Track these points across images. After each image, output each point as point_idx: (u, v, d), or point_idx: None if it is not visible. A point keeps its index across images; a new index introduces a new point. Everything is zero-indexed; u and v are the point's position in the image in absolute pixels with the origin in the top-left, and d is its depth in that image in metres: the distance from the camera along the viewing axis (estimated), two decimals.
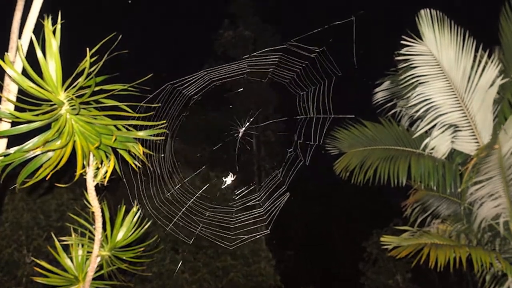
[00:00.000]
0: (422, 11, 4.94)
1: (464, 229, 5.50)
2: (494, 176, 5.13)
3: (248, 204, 7.49)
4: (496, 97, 5.21)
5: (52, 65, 1.43)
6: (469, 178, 5.12)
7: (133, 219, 2.07)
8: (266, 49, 5.48)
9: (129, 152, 1.75)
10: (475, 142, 5.28)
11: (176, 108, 5.72)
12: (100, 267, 2.02)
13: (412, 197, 6.21)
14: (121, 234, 2.04)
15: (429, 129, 5.40)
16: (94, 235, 1.91)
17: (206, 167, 11.89)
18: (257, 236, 9.49)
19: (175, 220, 6.62)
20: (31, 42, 1.45)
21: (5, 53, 1.50)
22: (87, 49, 1.46)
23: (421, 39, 4.99)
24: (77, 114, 1.52)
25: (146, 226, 2.10)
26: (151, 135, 1.75)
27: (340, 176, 6.06)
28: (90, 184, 1.77)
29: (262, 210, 6.76)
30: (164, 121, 1.96)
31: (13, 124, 1.51)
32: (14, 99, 1.51)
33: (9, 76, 1.45)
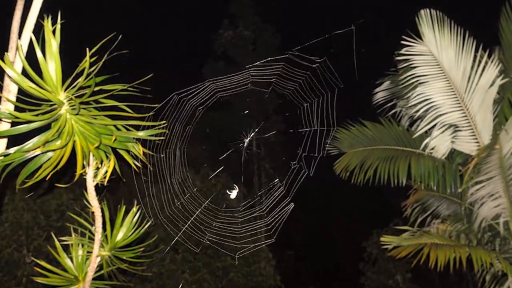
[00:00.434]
0: (422, 11, 4.94)
1: (464, 229, 5.50)
2: (495, 176, 5.13)
3: (253, 215, 7.51)
4: (496, 97, 5.20)
5: (52, 65, 1.43)
6: (469, 178, 5.11)
7: (133, 219, 2.07)
8: (268, 58, 5.53)
9: (129, 152, 1.75)
10: (475, 142, 5.28)
11: (182, 119, 5.77)
12: (100, 267, 2.02)
13: (412, 197, 6.20)
14: (121, 234, 2.04)
15: (429, 129, 5.40)
16: (94, 235, 1.91)
17: (208, 168, 11.89)
18: (263, 245, 9.54)
19: (184, 228, 6.64)
20: (31, 42, 1.45)
21: (5, 53, 1.50)
22: (87, 49, 1.46)
23: (421, 39, 4.99)
24: (77, 114, 1.52)
25: (146, 226, 2.09)
26: (151, 135, 1.75)
27: (340, 176, 6.05)
28: (90, 184, 1.77)
29: (267, 221, 6.76)
30: (165, 121, 1.96)
31: (13, 124, 1.51)
32: (14, 99, 1.51)
33: (9, 76, 1.45)
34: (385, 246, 5.41)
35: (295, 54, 4.92)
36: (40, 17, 1.51)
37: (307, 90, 5.71)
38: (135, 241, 2.10)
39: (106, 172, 1.75)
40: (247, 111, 18.22)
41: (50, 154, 1.57)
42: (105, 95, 1.62)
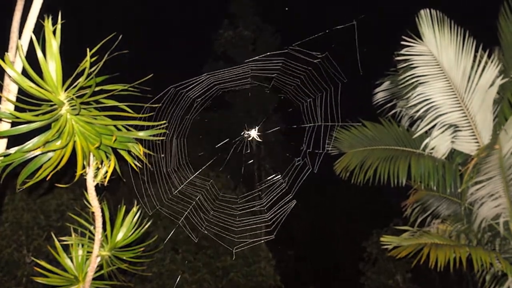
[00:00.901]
0: (422, 11, 4.94)
1: (464, 229, 5.50)
2: (495, 176, 5.13)
3: (252, 209, 7.49)
4: (496, 97, 5.21)
5: (52, 65, 1.43)
6: (469, 178, 5.12)
7: (133, 219, 2.07)
8: (268, 53, 5.49)
9: (129, 152, 1.75)
10: (475, 142, 5.28)
11: (180, 111, 5.74)
12: (100, 267, 2.02)
13: (412, 197, 6.21)
14: (121, 234, 2.04)
15: (429, 129, 5.40)
16: (94, 235, 1.91)
17: (207, 166, 11.89)
18: (262, 241, 9.53)
19: (185, 213, 6.67)
20: (31, 42, 1.45)
21: (5, 53, 1.50)
22: (87, 49, 1.46)
23: (421, 39, 4.99)
24: (77, 114, 1.52)
25: (146, 226, 2.09)
26: (151, 135, 1.75)
27: (340, 176, 6.06)
28: (90, 184, 1.77)
29: (267, 217, 6.76)
30: (165, 121, 1.96)
31: (13, 124, 1.51)
32: (14, 99, 1.50)
33: (9, 76, 1.45)
34: (385, 246, 5.41)
35: (296, 49, 4.90)
36: (40, 17, 1.51)
37: (309, 85, 5.68)
38: (135, 241, 2.10)
39: (106, 172, 1.75)
40: (247, 111, 18.24)
41: (50, 154, 1.57)
42: (106, 95, 1.62)
